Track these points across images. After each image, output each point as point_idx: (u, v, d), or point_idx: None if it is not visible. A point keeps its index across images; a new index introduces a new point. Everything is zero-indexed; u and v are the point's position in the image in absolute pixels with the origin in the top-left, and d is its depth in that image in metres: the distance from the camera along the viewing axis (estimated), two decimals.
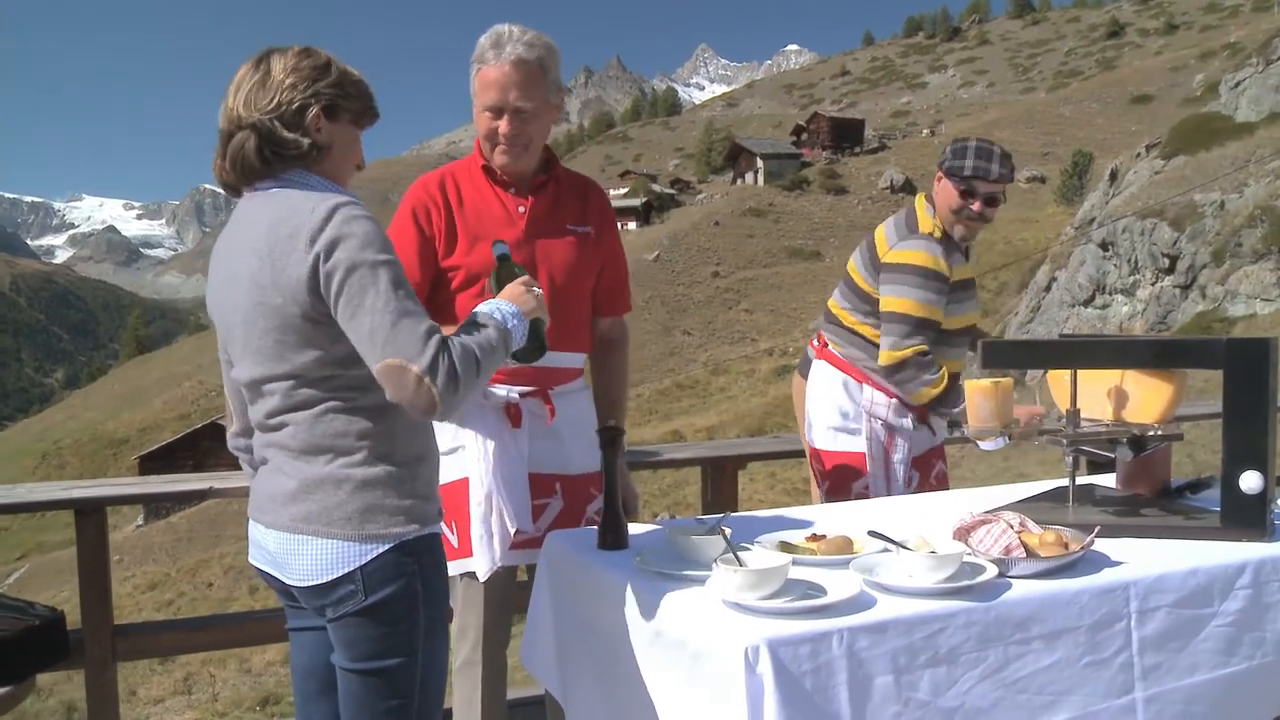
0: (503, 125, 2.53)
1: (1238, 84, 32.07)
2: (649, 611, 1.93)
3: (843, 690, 1.69)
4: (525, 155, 2.59)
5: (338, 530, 1.87)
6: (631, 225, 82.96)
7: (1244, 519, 2.21)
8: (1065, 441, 2.39)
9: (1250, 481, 2.19)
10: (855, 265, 3.28)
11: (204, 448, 46.37)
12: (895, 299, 3.10)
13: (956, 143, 3.21)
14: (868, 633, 1.73)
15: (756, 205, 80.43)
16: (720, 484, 3.85)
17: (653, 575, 2.00)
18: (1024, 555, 1.97)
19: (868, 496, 3.17)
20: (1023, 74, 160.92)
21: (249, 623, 3.77)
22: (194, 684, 14.34)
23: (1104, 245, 26.85)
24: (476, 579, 2.56)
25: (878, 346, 3.14)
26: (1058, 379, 2.49)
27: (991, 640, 1.82)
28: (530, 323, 2.00)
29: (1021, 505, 2.48)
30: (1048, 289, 29.44)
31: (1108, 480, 2.82)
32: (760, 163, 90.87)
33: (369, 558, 1.87)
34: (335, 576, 1.87)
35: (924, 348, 3.06)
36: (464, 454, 2.56)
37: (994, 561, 1.95)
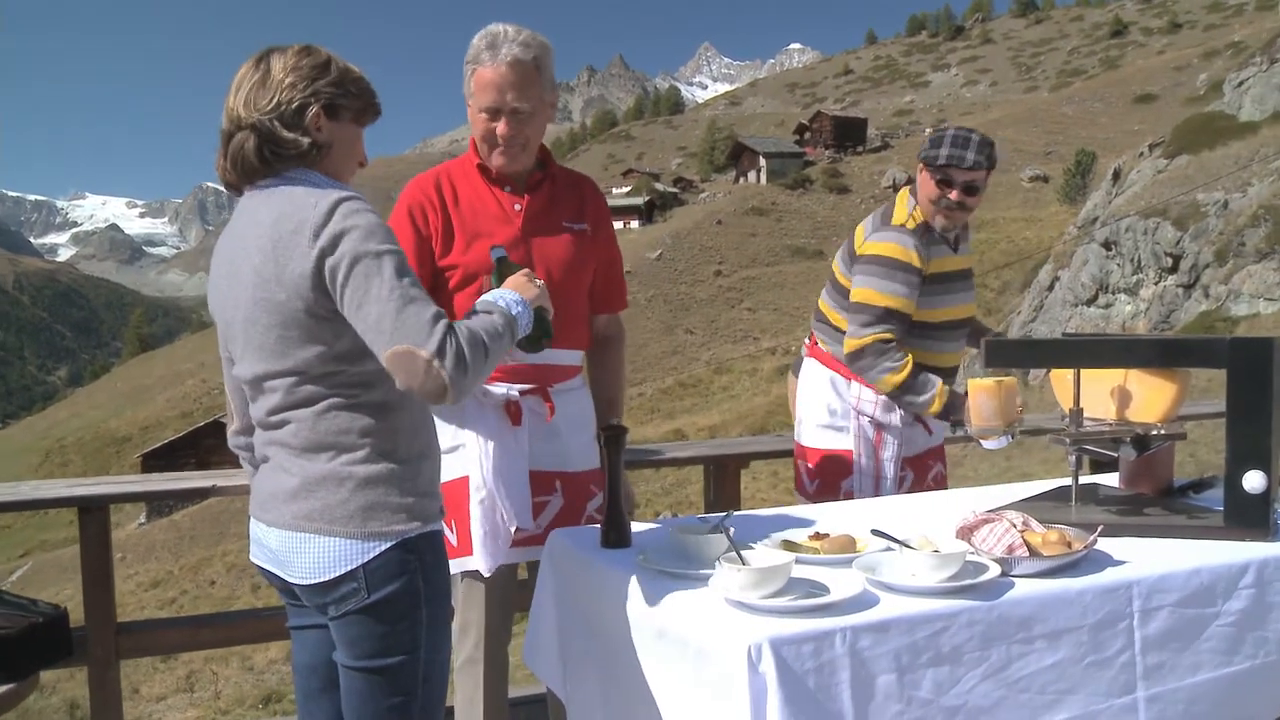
0: (501, 127, 2.53)
1: (1241, 83, 32.00)
2: (652, 610, 1.93)
3: (845, 689, 1.69)
4: (523, 155, 2.60)
5: (340, 528, 1.87)
6: (634, 224, 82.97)
7: (1247, 518, 2.20)
8: (1068, 441, 2.38)
9: (1253, 481, 2.19)
10: (837, 261, 3.27)
11: (206, 446, 46.44)
12: (861, 289, 3.09)
13: (935, 132, 3.19)
14: (870, 631, 1.73)
15: (759, 204, 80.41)
16: (723, 483, 3.85)
17: (655, 574, 2.00)
18: (1027, 554, 1.97)
19: (860, 494, 3.15)
20: (1026, 73, 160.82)
21: (251, 621, 3.77)
22: (196, 682, 14.37)
23: (1107, 244, 26.81)
24: (477, 577, 2.56)
25: None
26: (1061, 378, 2.49)
27: (994, 639, 1.82)
28: (535, 311, 2.01)
29: (1024, 504, 2.48)
30: (1050, 288, 29.40)
31: (1111, 480, 2.82)
32: (763, 161, 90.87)
33: (371, 555, 1.87)
34: (337, 574, 1.87)
35: (886, 336, 3.03)
36: (464, 452, 2.56)
37: (997, 561, 1.95)
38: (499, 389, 2.56)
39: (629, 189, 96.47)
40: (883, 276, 3.05)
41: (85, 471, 63.72)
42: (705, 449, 4.06)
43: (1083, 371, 2.39)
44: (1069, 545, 2.02)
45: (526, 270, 2.08)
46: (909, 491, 3.18)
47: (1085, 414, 2.39)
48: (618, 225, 78.53)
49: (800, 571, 1.91)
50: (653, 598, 1.94)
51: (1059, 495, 2.61)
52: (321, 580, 1.89)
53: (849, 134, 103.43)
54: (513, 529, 2.53)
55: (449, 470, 2.48)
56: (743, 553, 1.90)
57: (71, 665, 3.17)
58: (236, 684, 13.66)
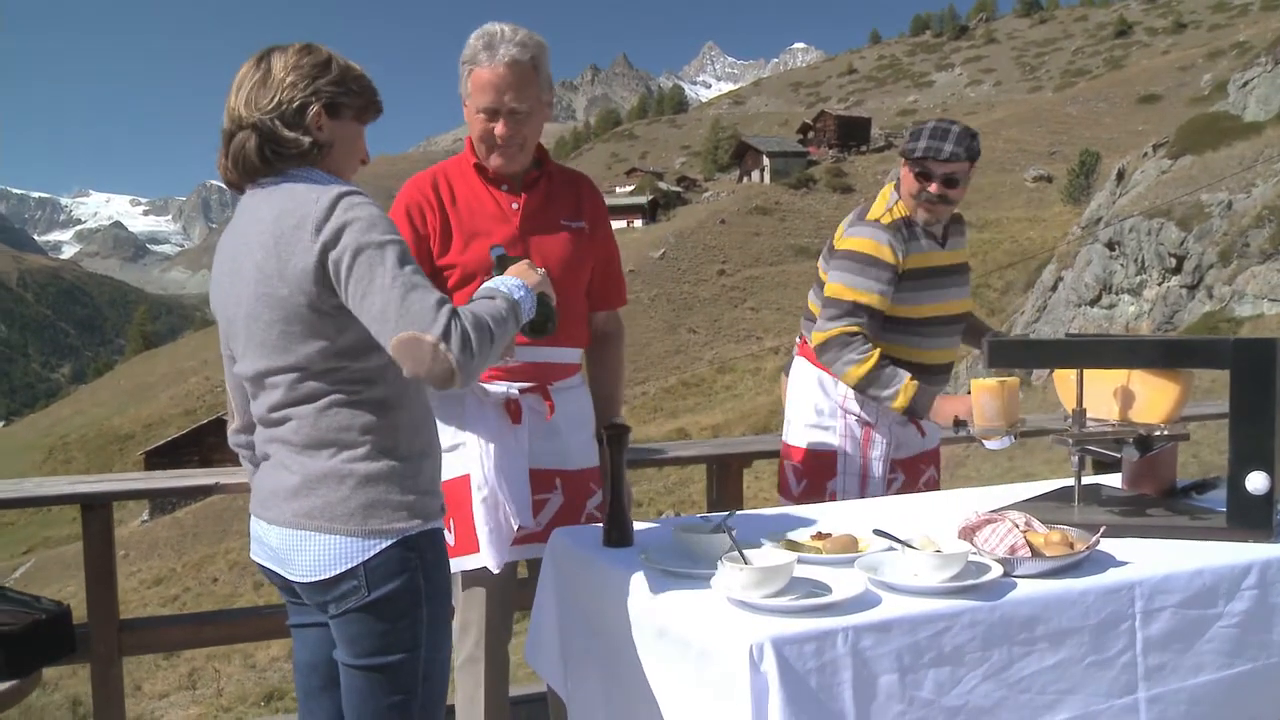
0: (499, 128, 2.52)
1: (1246, 83, 31.96)
2: (653, 609, 1.93)
3: (847, 689, 1.69)
4: (521, 155, 2.60)
5: (340, 526, 1.87)
6: (638, 223, 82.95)
7: (1250, 519, 2.20)
8: (1071, 441, 2.38)
9: (1256, 482, 2.19)
10: (820, 260, 3.26)
11: (209, 443, 46.53)
12: (832, 284, 3.07)
13: (917, 125, 3.15)
14: (872, 631, 1.73)
15: (763, 203, 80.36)
16: (725, 482, 3.85)
17: (658, 573, 2.00)
18: (1029, 555, 1.96)
19: (845, 495, 3.12)
20: (1030, 73, 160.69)
21: (254, 618, 3.78)
22: (199, 679, 14.38)
23: (1111, 245, 26.79)
24: (477, 576, 2.57)
25: None
26: (1064, 378, 2.49)
27: (996, 640, 1.82)
28: (538, 297, 2.01)
29: (1027, 505, 2.47)
30: (1054, 288, 29.38)
31: (1113, 480, 2.82)
32: (766, 161, 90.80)
33: (371, 554, 1.87)
34: (338, 572, 1.87)
35: (852, 329, 2.99)
36: (464, 451, 2.57)
37: (999, 561, 1.95)
38: (499, 387, 2.56)
39: (632, 188, 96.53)
40: (854, 272, 3.03)
41: (88, 469, 63.81)
42: (708, 448, 4.06)
43: (1086, 372, 2.39)
44: (1071, 546, 2.02)
45: (527, 260, 2.09)
46: (899, 494, 3.14)
47: (1088, 414, 2.38)
48: (621, 224, 78.80)
49: (802, 571, 1.91)
50: (655, 597, 1.94)
51: (1061, 496, 2.60)
52: (322, 578, 1.89)
53: (853, 134, 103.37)
54: (515, 527, 2.53)
55: (449, 469, 2.48)
56: (745, 552, 1.90)
57: (74, 662, 3.18)
58: (239, 681, 13.68)
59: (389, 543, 1.88)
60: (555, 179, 2.72)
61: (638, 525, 2.37)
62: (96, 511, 3.20)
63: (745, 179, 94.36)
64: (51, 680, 11.73)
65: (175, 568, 28.65)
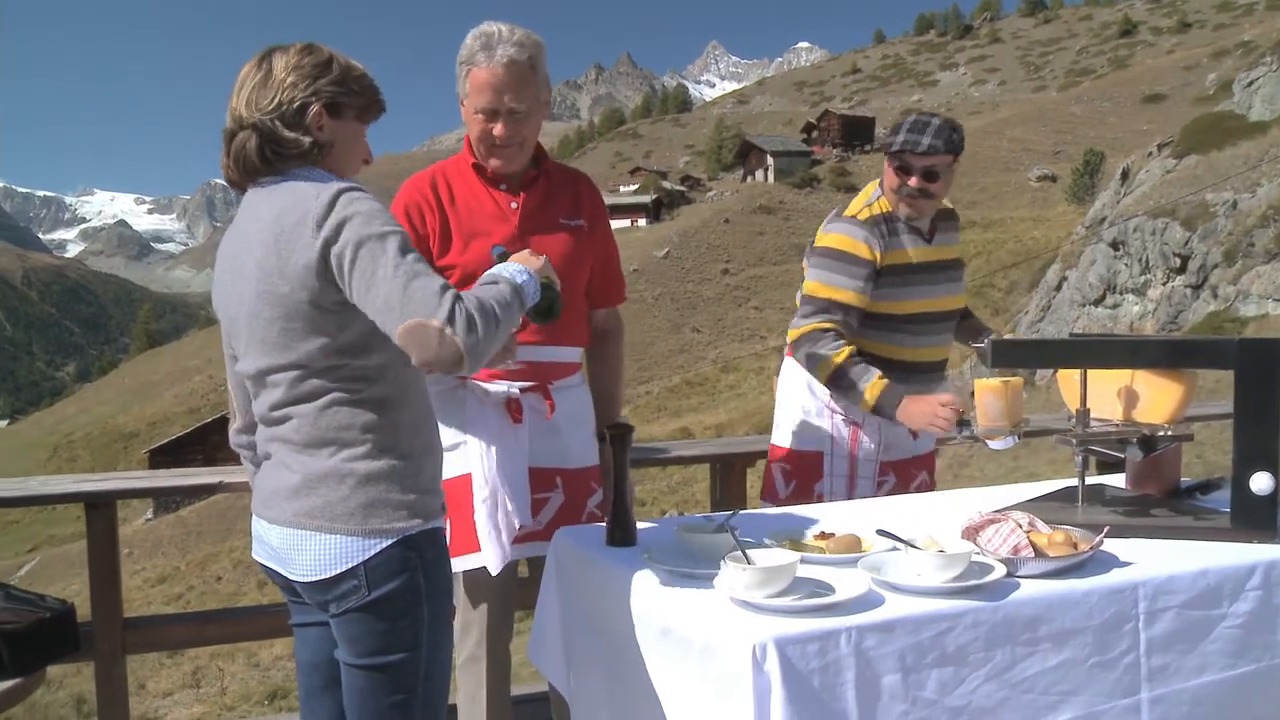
0: (498, 128, 2.52)
1: (1251, 83, 31.90)
2: (656, 608, 1.93)
3: (850, 689, 1.69)
4: (520, 155, 2.60)
5: (340, 525, 1.87)
6: (641, 222, 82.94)
7: (1254, 520, 2.20)
8: (1075, 441, 2.38)
9: (1261, 482, 2.18)
10: (804, 258, 3.21)
11: (213, 442, 46.56)
12: (808, 281, 3.04)
13: (899, 120, 3.10)
14: (875, 631, 1.73)
15: (767, 203, 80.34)
16: (729, 481, 3.85)
17: (661, 572, 2.00)
18: (1032, 555, 1.96)
19: (832, 497, 3.07)
20: (1034, 72, 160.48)
21: (257, 617, 3.78)
22: (202, 677, 14.39)
23: (1115, 245, 26.76)
24: (478, 575, 2.57)
25: None
26: (1068, 378, 2.48)
27: (999, 640, 1.82)
28: (542, 283, 2.01)
29: (1030, 505, 2.47)
30: (1058, 288, 29.35)
31: (1117, 480, 2.81)
32: (770, 160, 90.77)
33: (372, 553, 1.87)
34: (338, 572, 1.88)
35: (824, 325, 2.94)
36: (465, 450, 2.57)
37: (1002, 561, 1.95)
38: (499, 387, 2.56)
39: (636, 187, 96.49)
40: (829, 269, 2.99)
41: (93, 467, 63.93)
42: (711, 447, 4.06)
43: (1090, 372, 2.38)
44: (1075, 546, 2.02)
45: (529, 250, 2.09)
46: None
47: (1092, 414, 2.38)
48: (625, 224, 78.80)
49: (805, 571, 1.91)
50: (658, 596, 1.94)
51: (1065, 496, 2.60)
52: (322, 578, 1.89)
53: (857, 133, 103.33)
54: (516, 526, 2.53)
55: (449, 468, 2.48)
56: (748, 552, 1.90)
57: (78, 660, 3.18)
58: (242, 680, 13.69)
59: (389, 542, 1.88)
60: (553, 177, 2.72)
61: (641, 525, 2.37)
62: (100, 510, 3.20)
63: (749, 178, 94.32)
64: (56, 678, 11.74)
65: (179, 566, 28.67)
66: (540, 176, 2.68)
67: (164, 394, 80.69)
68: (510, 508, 2.52)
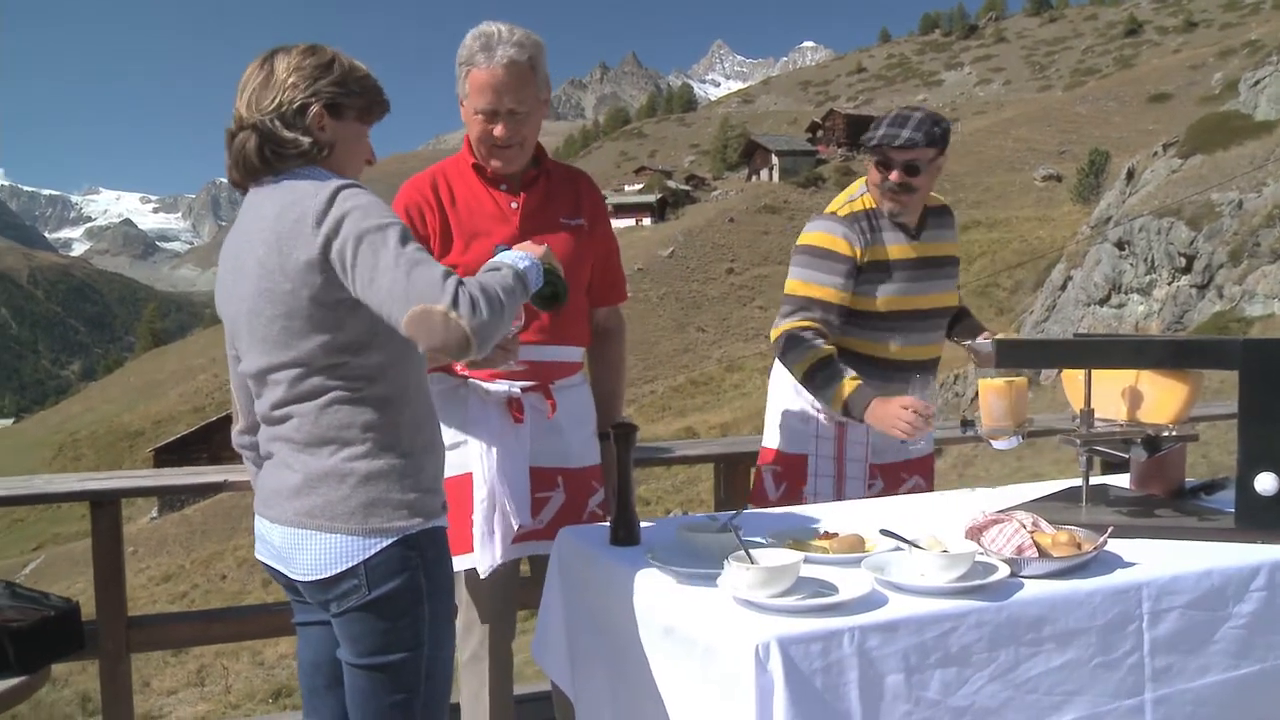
0: (498, 129, 2.52)
1: (1257, 82, 31.86)
2: (660, 608, 1.93)
3: (853, 689, 1.69)
4: (520, 155, 2.60)
5: (341, 525, 1.87)
6: (646, 221, 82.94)
7: (1259, 520, 2.19)
8: (1079, 441, 2.37)
9: (1265, 483, 2.18)
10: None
11: (218, 440, 46.65)
12: (789, 280, 3.00)
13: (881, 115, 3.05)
14: (879, 631, 1.73)
15: (771, 202, 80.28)
16: (733, 481, 3.85)
17: (664, 572, 2.00)
18: (1036, 555, 1.96)
19: (817, 499, 3.01)
20: (1040, 72, 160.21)
21: (262, 615, 3.79)
22: (207, 676, 14.42)
23: (1120, 244, 26.74)
24: (480, 574, 2.57)
25: None
26: (1072, 378, 2.48)
27: (1003, 640, 1.81)
28: (545, 270, 2.01)
29: (1034, 505, 2.47)
30: (1063, 288, 29.34)
31: (1122, 481, 2.81)
32: (775, 159, 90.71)
33: (372, 552, 1.87)
34: (338, 571, 1.88)
35: (802, 324, 2.91)
36: (466, 449, 2.57)
37: (1006, 561, 1.95)
38: (500, 386, 2.56)
39: (641, 186, 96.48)
40: (808, 266, 2.96)
41: (98, 465, 64.05)
42: (716, 447, 4.06)
43: (1094, 372, 2.38)
44: (1079, 546, 2.01)
45: (530, 243, 2.09)
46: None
47: (1096, 414, 2.38)
48: (630, 223, 78.72)
49: (809, 571, 1.91)
50: (661, 595, 1.95)
51: (1069, 496, 2.60)
52: (322, 577, 1.89)
53: (861, 132, 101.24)
54: (515, 527, 2.53)
55: (450, 467, 2.49)
56: (752, 551, 1.90)
57: (83, 658, 3.19)
58: (247, 678, 13.71)
59: (389, 541, 1.88)
60: (554, 177, 2.72)
61: (644, 524, 2.37)
62: (105, 508, 3.21)
63: (754, 178, 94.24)
64: (61, 676, 11.77)
65: (184, 565, 28.72)
66: (540, 176, 2.68)
67: (169, 393, 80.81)
68: (508, 509, 2.53)
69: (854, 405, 2.80)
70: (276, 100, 1.90)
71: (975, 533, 2.07)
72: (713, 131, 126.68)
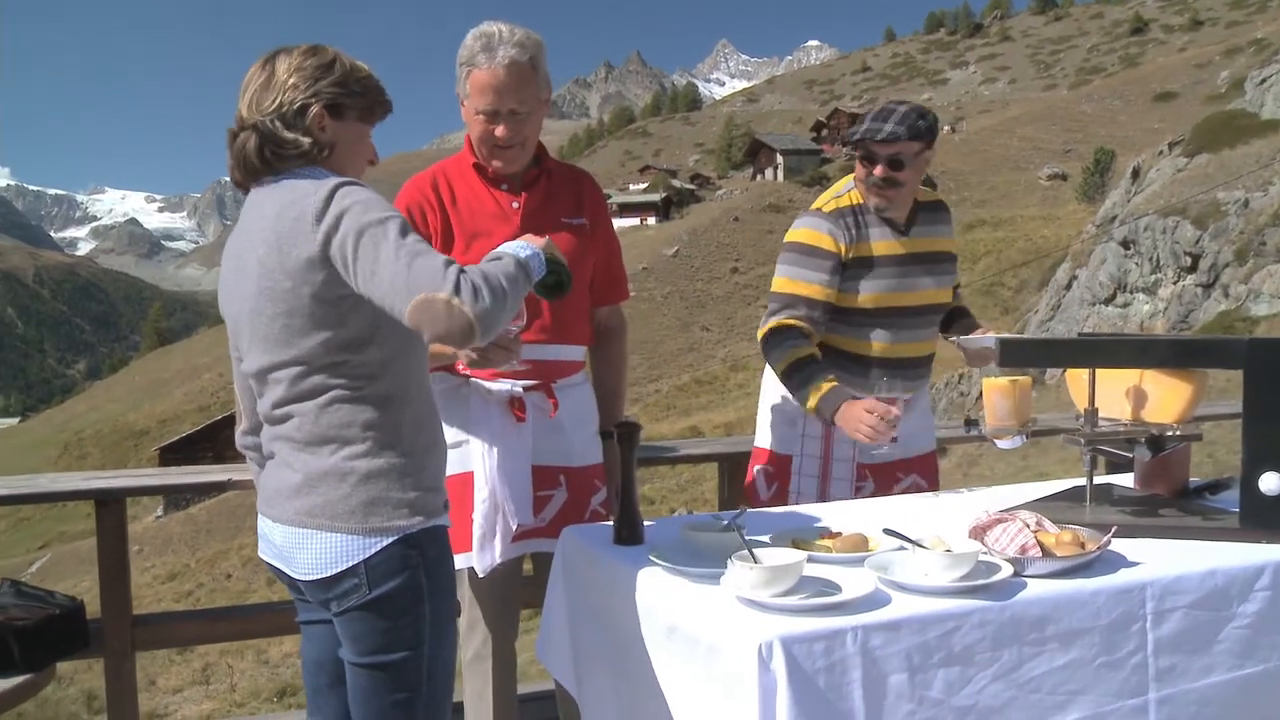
0: (499, 130, 2.52)
1: (1264, 80, 31.76)
2: (663, 607, 1.93)
3: (856, 688, 1.69)
4: (522, 155, 2.60)
5: (341, 524, 1.88)
6: (651, 220, 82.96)
7: (1263, 520, 2.19)
8: (1083, 441, 2.37)
9: (1270, 483, 2.18)
10: None
11: (223, 439, 46.71)
12: (775, 278, 2.99)
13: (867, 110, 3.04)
14: (882, 631, 1.73)
15: (776, 201, 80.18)
16: (737, 480, 3.84)
17: (667, 571, 2.00)
18: (1040, 555, 1.96)
19: (800, 499, 3.00)
20: (1045, 71, 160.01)
21: (266, 614, 3.79)
22: (212, 674, 14.45)
23: (1125, 243, 26.67)
24: (478, 574, 2.57)
25: None
26: (1076, 378, 2.48)
27: (1006, 640, 1.81)
28: (548, 259, 2.00)
29: (1038, 504, 2.46)
30: (1068, 287, 29.27)
31: (1126, 480, 2.81)
32: (780, 159, 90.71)
33: (372, 551, 1.88)
34: (339, 570, 1.88)
35: (786, 322, 2.89)
36: (468, 448, 2.57)
37: (1010, 561, 1.95)
38: (503, 385, 2.56)
39: (646, 185, 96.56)
40: (793, 263, 2.95)
41: (103, 464, 64.14)
42: (720, 446, 4.06)
43: (1099, 371, 2.38)
44: (1083, 546, 2.01)
45: (531, 235, 2.09)
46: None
47: (1101, 414, 2.37)
48: (634, 222, 78.70)
49: (812, 570, 1.91)
50: (664, 595, 1.95)
51: (1073, 495, 2.60)
52: (323, 576, 1.90)
53: None
54: (514, 526, 2.54)
55: (452, 466, 2.49)
56: (755, 551, 1.90)
57: (88, 657, 3.19)
58: (252, 677, 13.74)
59: (390, 540, 1.88)
60: (555, 176, 2.72)
61: (648, 523, 2.37)
62: (110, 507, 3.22)
63: (759, 177, 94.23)
64: (66, 675, 11.80)
65: (189, 563, 28.79)
66: (541, 176, 2.68)
67: (174, 392, 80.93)
68: (509, 509, 2.53)
69: (824, 408, 2.78)
70: (277, 101, 1.91)
71: (979, 532, 2.07)
72: (717, 130, 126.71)
